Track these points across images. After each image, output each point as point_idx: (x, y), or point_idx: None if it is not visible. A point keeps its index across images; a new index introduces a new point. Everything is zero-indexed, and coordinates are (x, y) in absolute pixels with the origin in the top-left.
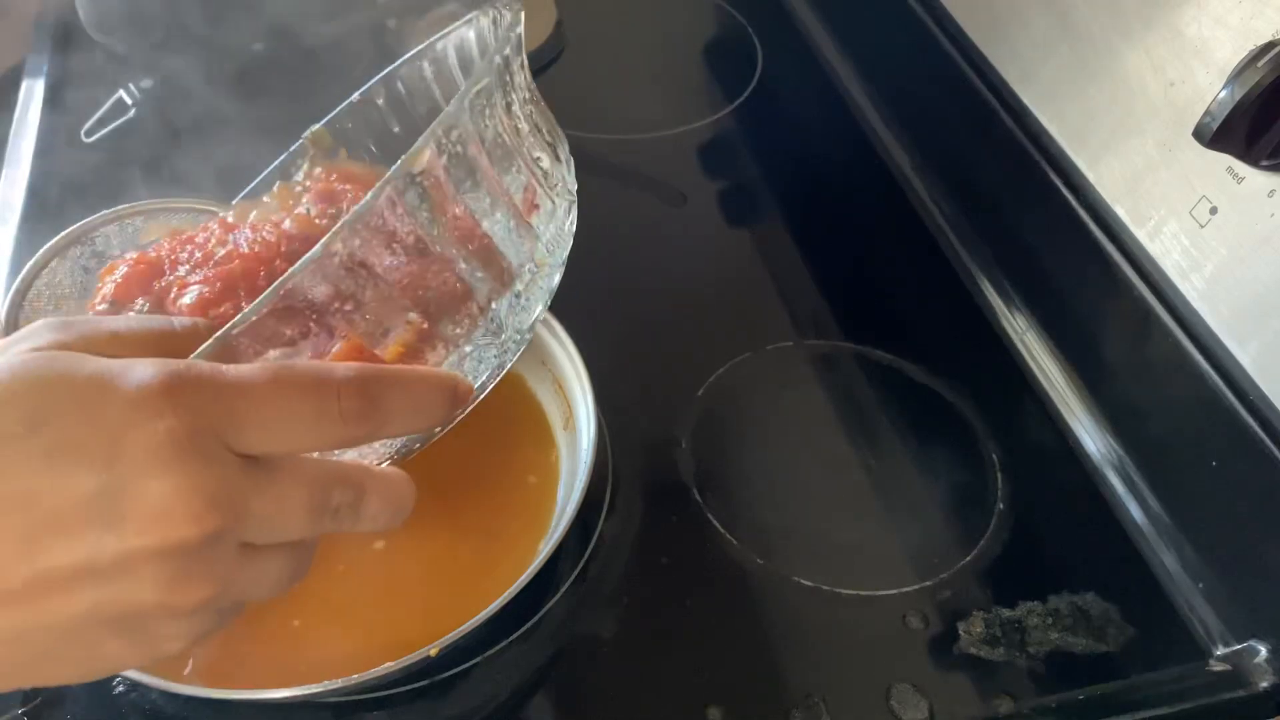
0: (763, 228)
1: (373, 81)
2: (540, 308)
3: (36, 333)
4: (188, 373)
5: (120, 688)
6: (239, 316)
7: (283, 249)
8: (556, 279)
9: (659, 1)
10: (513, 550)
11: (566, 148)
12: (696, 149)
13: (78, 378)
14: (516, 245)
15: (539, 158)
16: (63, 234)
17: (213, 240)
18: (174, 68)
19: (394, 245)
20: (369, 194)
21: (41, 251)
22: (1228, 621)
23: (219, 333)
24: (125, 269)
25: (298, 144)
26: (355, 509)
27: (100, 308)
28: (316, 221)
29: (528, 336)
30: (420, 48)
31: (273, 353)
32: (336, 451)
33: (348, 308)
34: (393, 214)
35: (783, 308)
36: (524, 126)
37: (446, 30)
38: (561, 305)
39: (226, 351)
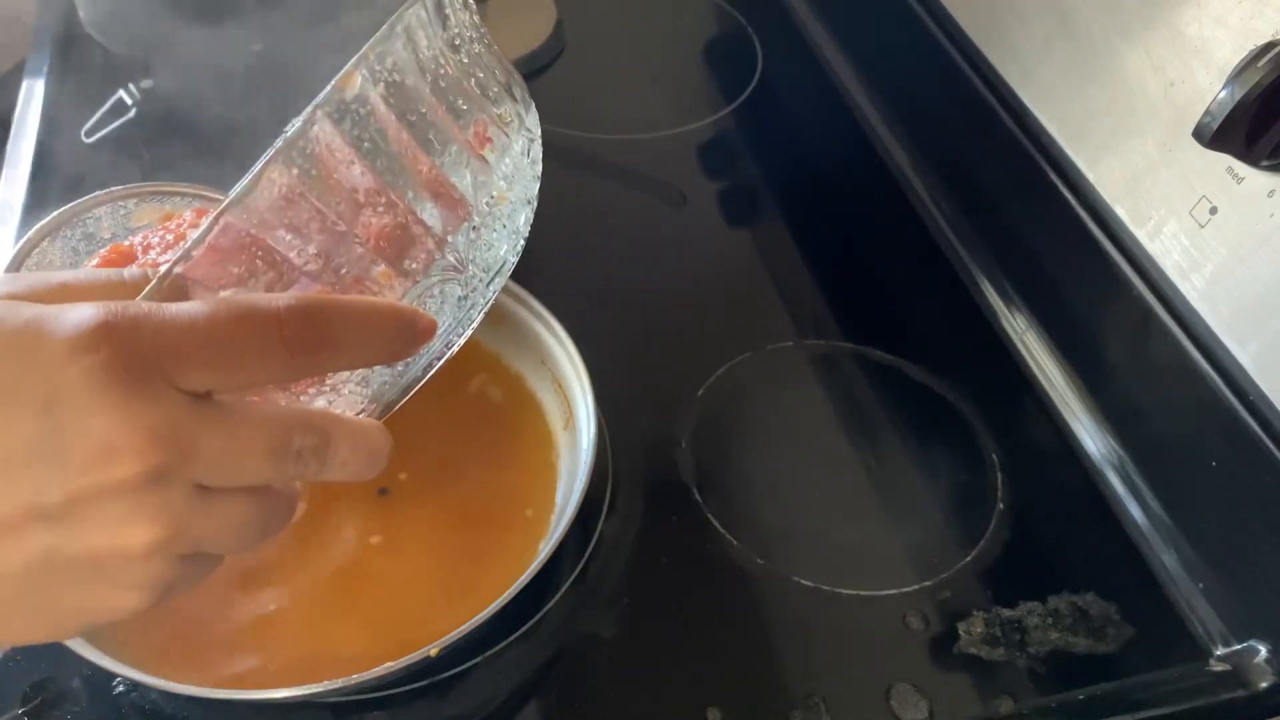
0: (763, 228)
1: (347, 67)
2: (507, 247)
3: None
4: (125, 310)
5: (120, 688)
6: (180, 253)
7: None
8: (522, 218)
9: (659, 1)
10: (513, 550)
11: (525, 89)
12: (696, 149)
13: (13, 323)
14: (469, 177)
15: (492, 95)
16: (54, 214)
17: (185, 225)
18: (174, 68)
19: (335, 177)
20: (300, 117)
21: (33, 231)
22: (1228, 621)
23: (162, 272)
24: (98, 262)
25: (282, 137)
26: (321, 454)
27: None
28: None
29: (498, 280)
30: (389, 23)
31: (224, 294)
32: (305, 400)
33: (294, 242)
34: (331, 142)
35: (783, 308)
36: (468, 62)
37: (407, 4)
38: (561, 305)
39: (174, 293)
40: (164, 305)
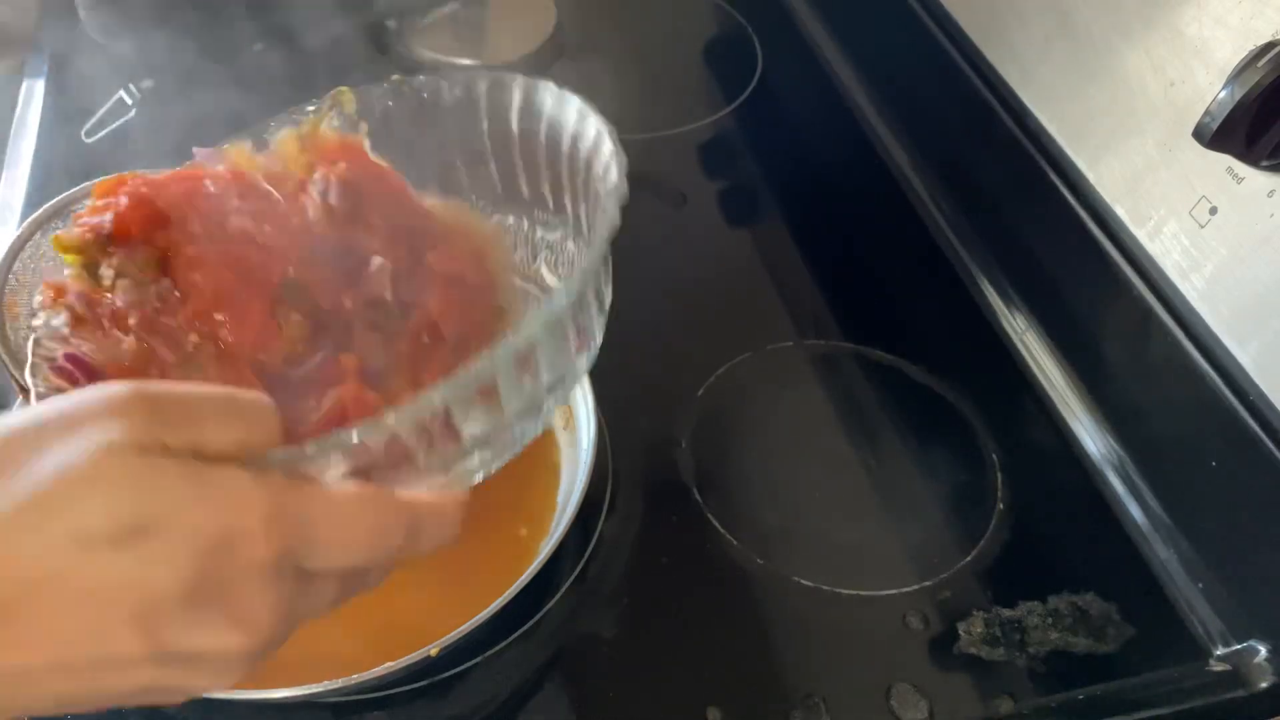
0: (763, 228)
1: (423, 78)
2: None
3: (119, 405)
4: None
5: None
6: (326, 446)
7: (302, 248)
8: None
9: (659, 1)
10: (512, 550)
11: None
12: (696, 149)
13: (193, 513)
14: (555, 410)
15: (594, 331)
16: (46, 206)
17: (230, 199)
18: (174, 68)
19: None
20: (476, 370)
21: (26, 224)
22: (1228, 621)
23: (310, 451)
24: (126, 200)
25: (324, 100)
26: (415, 540)
27: (86, 221)
28: (339, 223)
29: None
30: (488, 70)
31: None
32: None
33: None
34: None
35: (783, 308)
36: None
37: (534, 80)
38: None
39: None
40: (322, 499)
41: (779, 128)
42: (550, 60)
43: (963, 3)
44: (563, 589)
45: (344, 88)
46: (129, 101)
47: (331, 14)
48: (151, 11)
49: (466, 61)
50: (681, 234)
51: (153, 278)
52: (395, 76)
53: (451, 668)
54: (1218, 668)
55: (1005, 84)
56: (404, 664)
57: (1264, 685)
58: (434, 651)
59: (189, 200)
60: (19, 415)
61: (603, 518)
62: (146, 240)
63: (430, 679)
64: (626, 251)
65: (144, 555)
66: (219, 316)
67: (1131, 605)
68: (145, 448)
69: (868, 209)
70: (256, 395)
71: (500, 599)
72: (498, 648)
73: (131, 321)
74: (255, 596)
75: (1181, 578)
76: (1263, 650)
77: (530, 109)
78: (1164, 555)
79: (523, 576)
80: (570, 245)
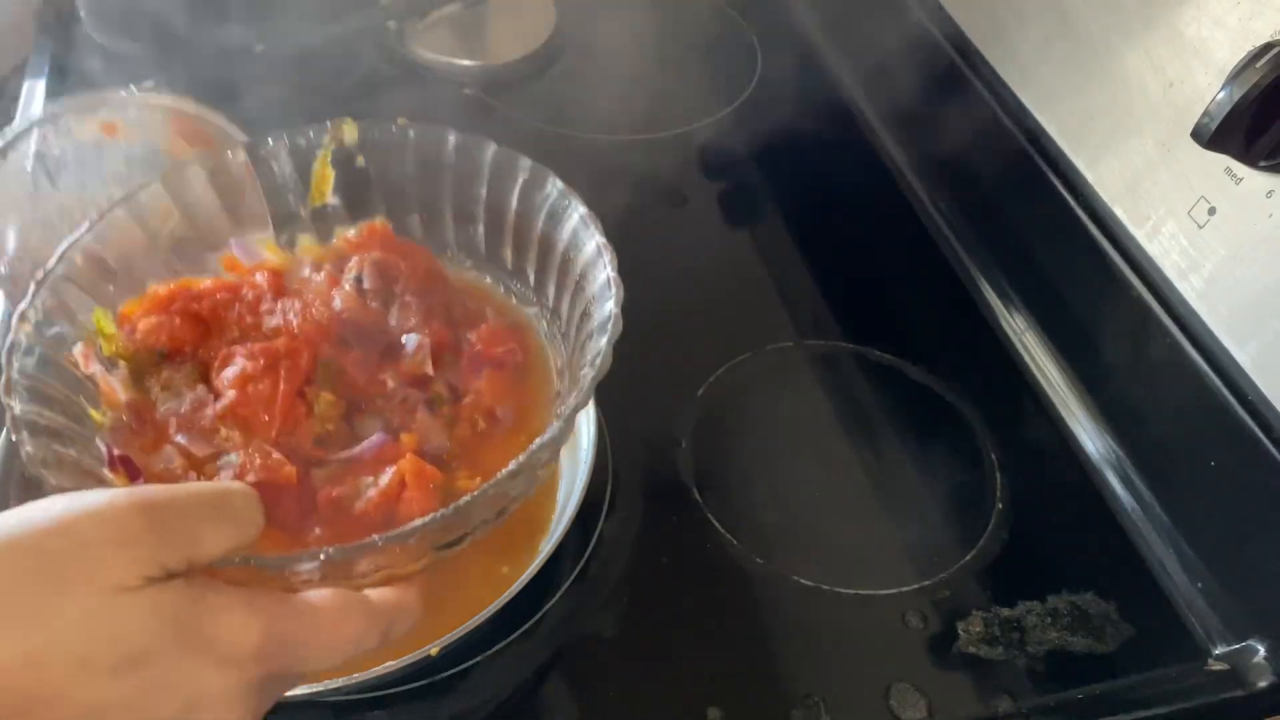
0: (763, 228)
1: (428, 129)
2: None
3: (125, 535)
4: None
5: None
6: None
7: (333, 333)
8: None
9: (659, 2)
10: (513, 550)
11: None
12: (696, 149)
13: (189, 647)
14: None
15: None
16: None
17: (265, 301)
18: (175, 68)
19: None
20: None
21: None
22: (1226, 621)
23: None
24: (179, 320)
25: (326, 129)
26: (385, 639)
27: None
28: (370, 304)
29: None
30: (480, 144)
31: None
32: None
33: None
34: None
35: (783, 308)
36: None
37: (543, 170)
38: None
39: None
40: (308, 617)
41: (779, 128)
42: (550, 60)
43: (962, 3)
44: (563, 589)
45: (347, 119)
46: None
47: (331, 14)
48: (152, 11)
49: (467, 62)
50: (681, 234)
51: (191, 387)
52: (401, 120)
53: (451, 668)
54: (1216, 667)
55: (1005, 84)
56: (404, 664)
57: (1262, 685)
58: (434, 651)
59: (229, 308)
60: (27, 521)
61: (603, 518)
62: (193, 355)
63: (430, 679)
64: (627, 252)
65: (141, 682)
66: (245, 404)
67: (1130, 605)
68: (150, 579)
69: (867, 209)
70: (243, 490)
71: (500, 598)
72: (498, 648)
73: (170, 429)
74: (237, 709)
75: (1180, 577)
76: (1261, 650)
77: (533, 194)
78: (1162, 555)
79: (523, 576)
80: (544, 324)
